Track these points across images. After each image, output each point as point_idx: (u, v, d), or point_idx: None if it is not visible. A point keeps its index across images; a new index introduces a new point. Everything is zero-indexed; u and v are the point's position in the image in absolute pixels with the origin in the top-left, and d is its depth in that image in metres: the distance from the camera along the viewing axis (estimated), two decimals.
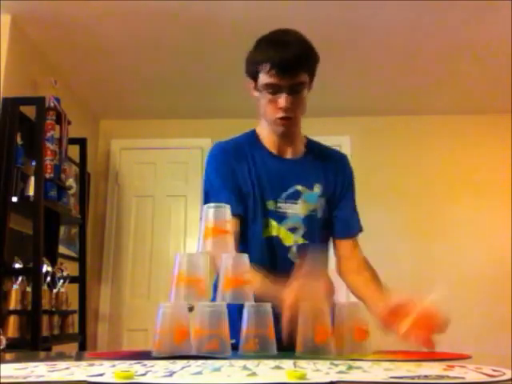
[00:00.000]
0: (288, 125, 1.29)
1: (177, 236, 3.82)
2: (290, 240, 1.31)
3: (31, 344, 2.22)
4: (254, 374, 0.68)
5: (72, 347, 2.89)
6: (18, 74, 2.68)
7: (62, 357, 1.24)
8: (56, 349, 2.59)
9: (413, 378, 0.64)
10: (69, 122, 2.83)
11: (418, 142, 3.85)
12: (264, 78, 1.23)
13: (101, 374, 0.67)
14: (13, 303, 2.30)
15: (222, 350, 0.92)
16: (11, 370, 0.73)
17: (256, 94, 1.30)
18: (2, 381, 0.62)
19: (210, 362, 0.82)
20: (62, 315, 2.68)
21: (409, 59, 3.08)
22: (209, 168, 1.38)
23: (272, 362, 0.79)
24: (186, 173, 3.93)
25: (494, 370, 0.68)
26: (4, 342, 1.97)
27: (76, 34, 2.81)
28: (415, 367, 0.75)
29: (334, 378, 0.63)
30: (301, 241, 1.32)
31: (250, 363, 0.79)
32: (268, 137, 1.38)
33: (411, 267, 3.60)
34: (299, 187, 1.34)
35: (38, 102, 2.57)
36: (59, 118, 2.71)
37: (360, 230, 1.43)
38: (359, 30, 2.75)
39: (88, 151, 3.25)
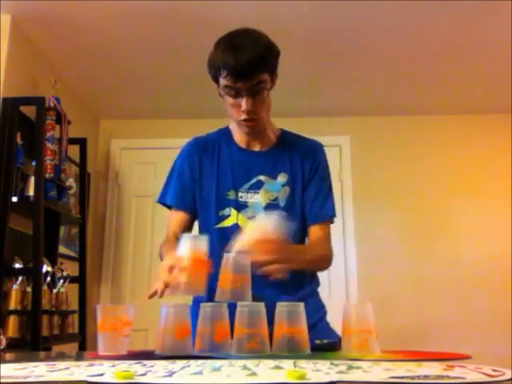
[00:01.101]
0: (252, 125, 1.33)
1: None
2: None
3: (31, 344, 2.22)
4: (254, 373, 0.68)
5: (72, 347, 2.88)
6: (18, 73, 2.68)
7: (61, 357, 1.24)
8: (56, 349, 2.59)
9: (413, 377, 0.64)
10: (69, 122, 2.83)
11: (417, 142, 3.85)
12: (223, 82, 1.26)
13: (101, 374, 0.67)
14: (13, 303, 2.30)
15: (263, 349, 0.93)
16: (11, 369, 0.74)
17: (220, 95, 1.33)
18: (2, 381, 0.62)
19: (209, 361, 0.82)
20: (62, 315, 2.68)
21: (409, 59, 3.08)
22: (175, 159, 1.52)
23: (272, 362, 0.80)
24: None
25: (493, 370, 0.68)
26: (4, 342, 1.97)
27: (76, 34, 2.81)
28: (415, 367, 0.75)
29: (334, 378, 0.63)
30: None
31: (250, 363, 0.79)
32: (237, 133, 1.45)
33: (411, 267, 3.60)
34: (262, 177, 1.38)
35: (38, 102, 2.57)
36: (59, 118, 2.71)
37: (324, 217, 1.42)
38: (359, 30, 2.75)
39: (88, 151, 3.25)
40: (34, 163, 2.51)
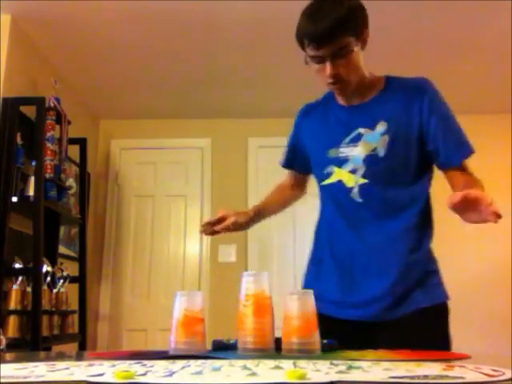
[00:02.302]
0: (339, 88, 1.36)
1: (177, 236, 3.83)
2: (352, 181, 1.36)
3: (31, 344, 2.22)
4: (253, 373, 0.68)
5: (72, 347, 2.89)
6: (18, 74, 2.68)
7: (61, 357, 1.24)
8: (56, 349, 2.59)
9: (412, 377, 0.64)
10: (69, 122, 2.83)
11: None
12: (308, 51, 1.30)
13: (101, 374, 0.67)
14: (13, 303, 2.30)
15: None
16: (11, 370, 0.74)
17: (307, 62, 1.36)
18: (2, 381, 0.62)
19: (209, 361, 0.82)
20: (62, 315, 2.68)
21: (409, 59, 3.08)
22: None
23: (272, 362, 0.80)
24: (186, 173, 3.93)
25: (493, 370, 0.68)
26: (4, 341, 1.97)
27: (76, 34, 2.81)
28: (415, 367, 0.75)
29: (334, 378, 0.63)
30: (361, 181, 1.35)
31: (250, 363, 0.79)
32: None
33: None
34: (361, 130, 1.37)
35: (38, 102, 2.57)
36: (59, 118, 2.72)
37: (463, 155, 1.40)
38: None
39: (88, 151, 3.25)
40: (33, 163, 2.51)
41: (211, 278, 3.66)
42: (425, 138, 1.36)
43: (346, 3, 1.28)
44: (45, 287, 2.48)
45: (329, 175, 1.40)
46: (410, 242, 1.43)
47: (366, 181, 1.34)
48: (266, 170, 3.76)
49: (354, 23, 1.28)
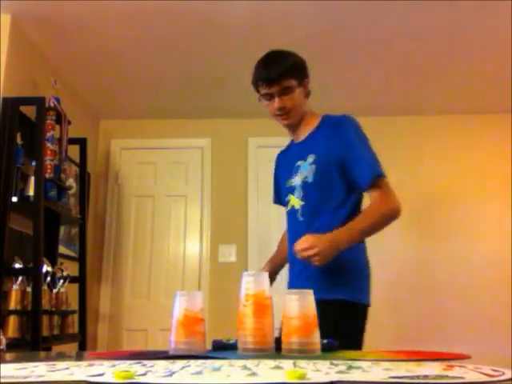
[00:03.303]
0: (285, 118, 1.68)
1: (177, 236, 3.83)
2: (298, 204, 1.68)
3: (31, 344, 2.22)
4: (253, 373, 0.68)
5: (72, 347, 2.89)
6: (18, 73, 2.68)
7: (62, 357, 1.24)
8: (56, 349, 2.59)
9: (412, 377, 0.64)
10: (69, 122, 2.83)
11: (417, 142, 3.85)
12: (261, 91, 1.66)
13: (101, 374, 0.67)
14: (13, 303, 2.30)
15: None
16: (11, 370, 0.74)
17: (260, 100, 1.70)
18: (2, 381, 0.62)
19: (209, 361, 0.82)
20: (62, 315, 2.68)
21: (409, 59, 3.08)
22: None
23: (272, 362, 0.80)
24: (186, 173, 3.93)
25: (493, 370, 0.68)
26: (4, 342, 1.97)
27: (76, 34, 2.81)
28: (415, 367, 0.75)
29: (334, 378, 0.63)
30: (301, 203, 1.67)
31: (250, 363, 0.79)
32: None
33: (411, 267, 3.60)
34: (299, 162, 1.69)
35: (38, 102, 2.57)
36: (59, 118, 2.71)
37: (367, 180, 1.58)
38: (359, 30, 2.75)
39: (88, 151, 3.25)
40: (33, 163, 2.51)
41: (211, 278, 3.66)
42: (344, 167, 1.62)
43: (291, 57, 1.66)
44: (45, 287, 2.48)
45: (288, 202, 1.72)
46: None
47: (303, 203, 1.66)
48: (266, 170, 3.76)
49: (297, 71, 1.65)
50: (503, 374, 0.66)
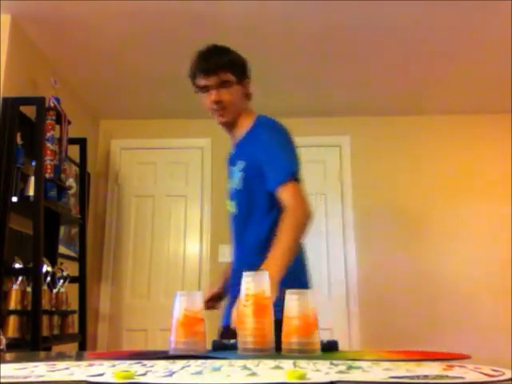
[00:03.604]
0: (222, 114, 1.62)
1: (177, 236, 3.83)
2: (233, 209, 1.64)
3: (31, 344, 2.22)
4: (253, 373, 0.68)
5: (72, 347, 2.89)
6: (17, 73, 2.68)
7: (62, 357, 1.24)
8: (56, 349, 2.59)
9: (412, 377, 0.64)
10: (69, 122, 2.83)
11: (417, 142, 3.85)
12: (198, 82, 1.61)
13: (101, 374, 0.67)
14: (13, 303, 2.30)
15: None
16: (11, 369, 0.74)
17: (196, 92, 1.65)
18: (2, 381, 0.62)
19: (209, 361, 0.82)
20: (62, 315, 2.68)
21: (409, 59, 3.08)
22: None
23: (272, 362, 0.79)
24: (186, 173, 3.93)
25: (493, 370, 0.68)
26: (4, 341, 1.97)
27: (76, 34, 2.81)
28: (415, 367, 0.75)
29: (334, 378, 0.63)
30: (234, 210, 1.63)
31: (250, 363, 0.79)
32: None
33: (411, 267, 3.60)
34: (233, 168, 1.65)
35: (38, 102, 2.57)
36: (59, 118, 2.71)
37: (276, 182, 1.46)
38: (359, 30, 2.75)
39: (88, 151, 3.25)
40: (33, 163, 2.51)
41: (211, 278, 3.66)
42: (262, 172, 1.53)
43: (231, 53, 1.63)
44: (45, 287, 2.48)
45: (229, 205, 1.68)
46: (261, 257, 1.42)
47: (236, 212, 1.62)
48: None
49: (236, 67, 1.60)
50: (503, 374, 0.66)
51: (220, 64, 1.57)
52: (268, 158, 1.52)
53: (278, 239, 1.36)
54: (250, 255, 1.53)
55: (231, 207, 1.64)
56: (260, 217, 1.55)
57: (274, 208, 1.51)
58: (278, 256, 1.33)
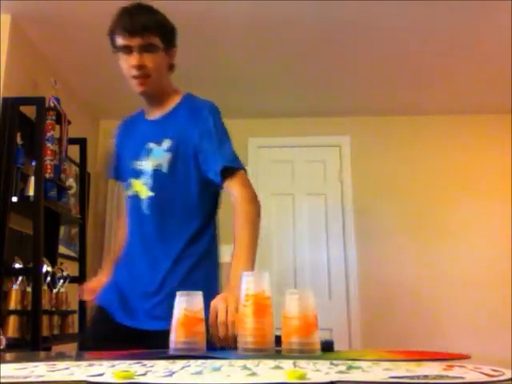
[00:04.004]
0: (143, 83, 1.43)
1: None
2: (144, 194, 1.42)
3: (31, 344, 2.22)
4: (253, 373, 0.68)
5: (72, 347, 2.88)
6: (18, 73, 2.68)
7: (62, 357, 1.24)
8: (56, 349, 2.59)
9: (412, 377, 0.64)
10: (69, 122, 2.83)
11: (418, 142, 3.85)
12: (119, 41, 1.40)
13: (101, 374, 0.67)
14: (13, 303, 2.30)
15: None
16: (11, 370, 0.74)
17: (115, 52, 1.45)
18: (2, 381, 0.62)
19: (209, 361, 0.82)
20: (62, 315, 2.68)
21: (408, 59, 3.08)
22: None
23: (272, 362, 0.80)
24: None
25: (493, 370, 0.68)
26: (4, 341, 1.97)
27: (76, 34, 2.81)
28: (415, 367, 0.75)
29: (334, 378, 0.63)
30: (149, 194, 1.41)
31: (250, 363, 0.79)
32: (145, 105, 1.57)
33: (411, 267, 3.60)
34: (151, 144, 1.44)
35: (38, 102, 2.57)
36: (59, 118, 2.72)
37: (227, 168, 1.37)
38: (359, 30, 2.75)
39: (88, 151, 3.25)
40: (33, 163, 2.51)
41: None
42: (199, 158, 1.41)
43: (160, 15, 1.45)
44: (45, 287, 2.48)
45: (129, 187, 1.47)
46: (189, 261, 1.39)
47: (152, 194, 1.40)
48: (266, 169, 3.76)
49: (165, 32, 1.44)
50: (503, 374, 0.66)
51: (147, 24, 1.38)
52: (214, 145, 1.40)
53: (240, 236, 1.28)
54: (177, 248, 1.38)
55: (137, 187, 1.43)
56: (190, 207, 1.41)
57: (206, 198, 1.43)
58: (245, 257, 1.24)
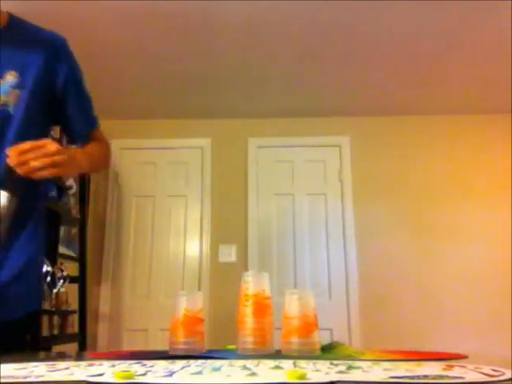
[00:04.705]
0: None
1: (177, 236, 3.83)
2: None
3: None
4: (253, 373, 0.68)
5: (72, 347, 2.89)
6: None
7: (62, 357, 1.24)
8: (56, 349, 2.59)
9: (412, 377, 0.64)
10: None
11: (417, 142, 3.85)
12: None
13: (101, 374, 0.67)
14: None
15: None
16: (11, 370, 0.74)
17: None
18: (2, 381, 0.62)
19: (209, 361, 0.82)
20: (61, 315, 2.68)
21: (408, 59, 3.08)
22: None
23: (272, 362, 0.79)
24: (186, 173, 3.93)
25: (493, 370, 0.68)
26: None
27: (76, 34, 2.80)
28: (415, 367, 0.75)
29: (334, 378, 0.63)
30: None
31: (250, 363, 0.79)
32: None
33: (411, 267, 3.60)
34: None
35: None
36: None
37: (91, 128, 1.39)
38: (359, 30, 2.75)
39: None
40: None
41: (211, 278, 3.66)
42: (60, 105, 1.25)
43: None
44: (45, 287, 2.48)
45: None
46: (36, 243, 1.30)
47: None
48: (266, 169, 3.77)
49: None
50: (503, 374, 0.65)
51: None
52: (82, 104, 1.33)
53: (93, 146, 1.32)
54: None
55: None
56: None
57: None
58: (89, 153, 1.26)
